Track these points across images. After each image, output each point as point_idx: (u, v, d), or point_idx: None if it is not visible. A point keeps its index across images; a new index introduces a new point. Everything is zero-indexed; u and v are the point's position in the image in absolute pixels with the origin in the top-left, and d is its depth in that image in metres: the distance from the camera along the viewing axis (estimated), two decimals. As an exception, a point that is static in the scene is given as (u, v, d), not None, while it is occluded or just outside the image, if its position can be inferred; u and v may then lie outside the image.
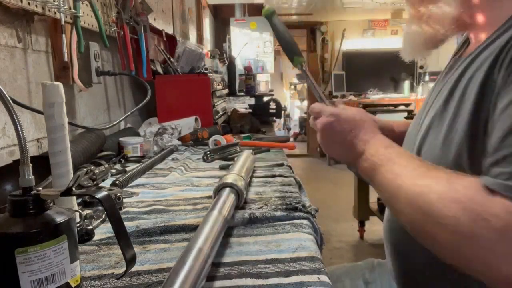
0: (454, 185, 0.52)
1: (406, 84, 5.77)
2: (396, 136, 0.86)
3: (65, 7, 1.09)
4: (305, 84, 7.70)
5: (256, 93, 2.99)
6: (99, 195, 0.47)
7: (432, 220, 0.52)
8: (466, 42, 0.75)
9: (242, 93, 2.96)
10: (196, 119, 1.66)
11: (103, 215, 0.76)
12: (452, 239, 0.51)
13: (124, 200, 0.87)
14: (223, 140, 1.45)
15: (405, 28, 0.77)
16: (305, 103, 7.80)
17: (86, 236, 0.68)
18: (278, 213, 0.76)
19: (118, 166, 1.20)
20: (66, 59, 1.13)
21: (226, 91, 2.83)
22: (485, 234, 0.47)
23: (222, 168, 1.18)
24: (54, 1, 1.05)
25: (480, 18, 0.66)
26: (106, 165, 1.08)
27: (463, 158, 0.59)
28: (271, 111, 2.51)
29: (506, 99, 0.52)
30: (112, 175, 1.08)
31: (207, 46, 4.61)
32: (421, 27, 0.72)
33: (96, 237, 0.69)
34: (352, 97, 6.02)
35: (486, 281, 0.50)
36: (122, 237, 0.47)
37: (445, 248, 0.53)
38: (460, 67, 0.67)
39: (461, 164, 0.60)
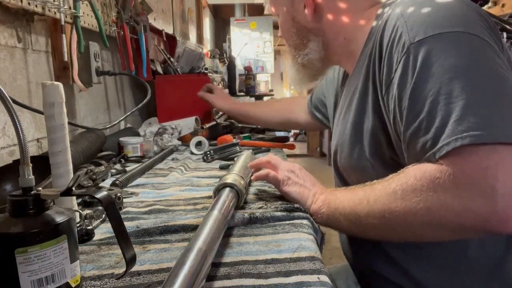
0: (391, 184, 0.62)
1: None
2: (253, 118, 1.51)
3: (65, 7, 1.09)
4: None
5: (256, 93, 2.99)
6: (99, 195, 0.47)
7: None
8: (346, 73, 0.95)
9: (242, 93, 2.96)
10: (196, 119, 1.66)
11: (103, 215, 0.76)
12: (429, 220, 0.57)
13: (124, 200, 0.87)
14: (205, 141, 1.45)
15: (290, 69, 0.96)
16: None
17: (86, 236, 0.68)
18: (278, 213, 0.76)
19: (118, 166, 1.20)
20: (66, 59, 1.13)
21: (226, 91, 2.83)
22: (446, 198, 0.55)
23: (222, 168, 1.18)
24: (54, 1, 1.05)
25: (342, 55, 0.87)
26: (106, 165, 1.08)
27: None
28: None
29: (396, 87, 0.64)
30: (112, 175, 1.08)
31: (207, 46, 4.61)
32: (302, 69, 0.93)
33: (96, 237, 0.69)
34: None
35: (484, 229, 0.54)
36: (122, 237, 0.47)
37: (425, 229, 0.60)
38: (347, 82, 0.89)
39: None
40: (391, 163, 0.72)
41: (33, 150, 1.06)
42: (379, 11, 0.78)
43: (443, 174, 0.55)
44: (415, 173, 0.59)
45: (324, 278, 0.53)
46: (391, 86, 0.65)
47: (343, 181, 0.87)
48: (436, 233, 0.60)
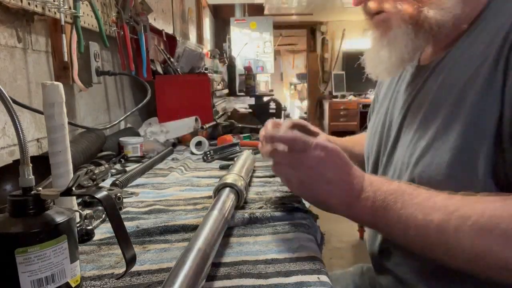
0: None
1: (406, 84, 5.77)
2: (355, 157, 0.85)
3: (65, 7, 1.09)
4: (305, 84, 7.70)
5: (256, 93, 2.99)
6: (99, 195, 0.47)
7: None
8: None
9: (242, 93, 2.96)
10: (196, 119, 1.66)
11: (103, 215, 0.76)
12: None
13: (124, 200, 0.87)
14: (205, 141, 1.45)
15: (397, 37, 0.65)
16: (305, 103, 7.80)
17: (86, 236, 0.68)
18: (278, 213, 0.76)
19: (118, 166, 1.20)
20: (66, 59, 1.13)
21: (226, 91, 2.83)
22: None
23: (222, 168, 1.18)
24: (54, 1, 1.05)
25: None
26: (106, 165, 1.08)
27: (487, 169, 0.54)
28: (271, 111, 2.51)
29: None
30: (112, 175, 1.08)
31: (207, 46, 4.61)
32: (422, 32, 0.64)
33: (96, 237, 0.69)
34: (352, 97, 6.02)
35: None
36: (122, 237, 0.47)
37: None
38: (435, 74, 0.66)
39: (483, 178, 0.55)
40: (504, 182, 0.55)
41: (33, 150, 1.06)
42: None
43: None
44: None
45: (324, 278, 0.53)
46: None
47: None
48: None
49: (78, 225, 0.66)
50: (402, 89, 0.75)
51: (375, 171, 0.78)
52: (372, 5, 0.67)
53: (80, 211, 0.70)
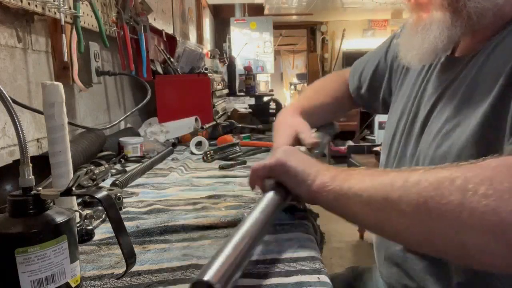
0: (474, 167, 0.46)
1: (406, 84, 5.77)
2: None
3: (65, 7, 1.09)
4: (305, 84, 7.70)
5: (256, 93, 2.98)
6: (99, 195, 0.47)
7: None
8: None
9: (242, 93, 2.96)
10: (196, 119, 1.66)
11: (103, 215, 0.76)
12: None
13: (124, 200, 0.87)
14: (205, 141, 1.45)
15: (434, 26, 0.63)
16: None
17: (86, 236, 0.68)
18: (278, 213, 0.76)
19: (118, 166, 1.20)
20: (66, 59, 1.13)
21: (226, 91, 2.83)
22: None
23: (222, 168, 1.18)
24: (54, 1, 1.05)
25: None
26: (106, 165, 1.08)
27: None
28: (271, 111, 2.50)
29: None
30: (112, 175, 1.08)
31: (207, 46, 4.61)
32: (459, 21, 0.62)
33: (96, 237, 0.69)
34: (352, 97, 6.02)
35: None
36: (122, 237, 0.47)
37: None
38: (469, 66, 0.64)
39: None
40: None
41: (33, 150, 1.06)
42: None
43: None
44: (497, 164, 0.45)
45: (324, 278, 0.53)
46: None
47: None
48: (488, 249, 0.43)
49: (78, 225, 0.66)
50: (432, 78, 0.73)
51: (396, 157, 0.77)
52: None
53: (80, 211, 0.70)
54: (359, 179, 0.56)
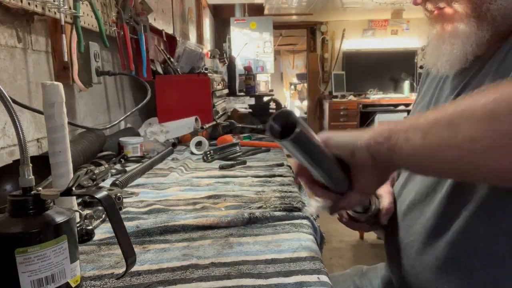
0: None
1: (406, 84, 5.78)
2: None
3: (65, 7, 1.09)
4: (305, 84, 7.70)
5: (256, 93, 2.98)
6: (99, 195, 0.47)
7: None
8: None
9: (242, 93, 2.95)
10: (196, 119, 1.66)
11: (103, 215, 0.76)
12: None
13: (124, 200, 0.87)
14: (205, 141, 1.45)
15: (460, 31, 0.64)
16: (305, 103, 7.80)
17: (86, 236, 0.68)
18: (278, 213, 0.76)
19: (118, 166, 1.20)
20: (66, 59, 1.13)
21: (226, 91, 2.83)
22: None
23: (222, 168, 1.18)
24: (54, 1, 1.05)
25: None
26: (106, 165, 1.08)
27: None
28: (271, 111, 2.50)
29: None
30: (112, 175, 1.08)
31: (207, 46, 4.61)
32: (484, 24, 0.63)
33: (96, 237, 0.69)
34: (352, 97, 6.02)
35: None
36: (122, 237, 0.47)
37: None
38: (489, 64, 0.63)
39: None
40: None
41: (33, 150, 1.06)
42: None
43: None
44: None
45: (324, 278, 0.53)
46: None
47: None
48: None
49: (78, 225, 0.66)
50: (450, 77, 0.72)
51: None
52: (430, 7, 0.69)
53: (80, 211, 0.70)
54: (414, 120, 0.52)
